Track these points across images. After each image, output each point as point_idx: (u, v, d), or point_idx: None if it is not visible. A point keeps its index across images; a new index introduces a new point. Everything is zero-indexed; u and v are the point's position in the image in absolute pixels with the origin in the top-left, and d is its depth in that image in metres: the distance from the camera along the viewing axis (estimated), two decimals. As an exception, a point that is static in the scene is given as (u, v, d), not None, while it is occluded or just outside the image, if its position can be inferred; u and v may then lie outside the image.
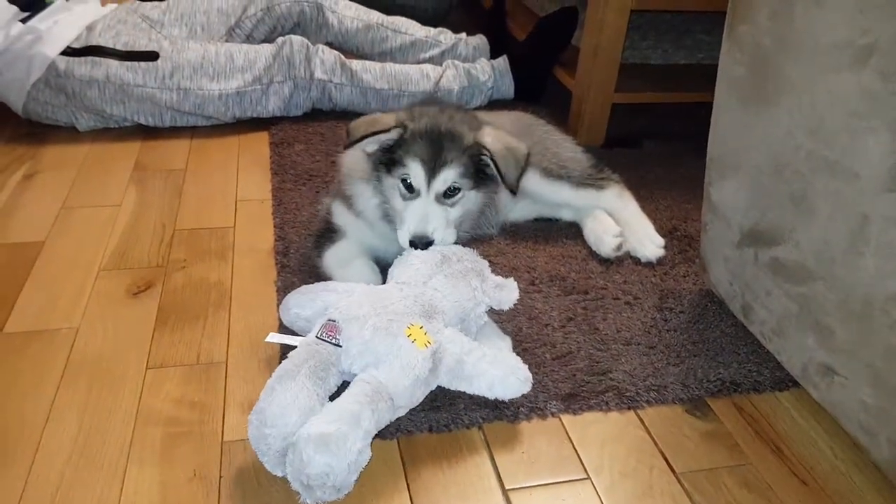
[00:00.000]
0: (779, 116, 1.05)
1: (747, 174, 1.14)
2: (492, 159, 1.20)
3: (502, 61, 2.14)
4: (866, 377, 0.97)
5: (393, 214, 1.25)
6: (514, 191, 1.25)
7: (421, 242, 1.19)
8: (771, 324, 1.17)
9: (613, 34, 1.81)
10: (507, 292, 1.18)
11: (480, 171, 1.23)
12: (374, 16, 2.23)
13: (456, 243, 1.24)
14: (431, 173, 1.19)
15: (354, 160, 1.30)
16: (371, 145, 1.22)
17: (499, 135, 1.24)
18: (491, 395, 1.06)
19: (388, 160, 1.22)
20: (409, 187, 1.21)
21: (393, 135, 1.21)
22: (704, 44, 2.18)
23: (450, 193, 1.21)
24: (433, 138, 1.19)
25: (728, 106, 1.17)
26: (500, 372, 1.05)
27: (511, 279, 1.21)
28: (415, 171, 1.19)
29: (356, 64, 2.03)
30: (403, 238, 1.20)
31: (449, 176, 1.20)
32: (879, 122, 0.88)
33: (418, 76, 2.06)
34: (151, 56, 1.86)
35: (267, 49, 1.95)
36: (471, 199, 1.25)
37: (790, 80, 1.02)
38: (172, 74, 1.86)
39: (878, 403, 0.96)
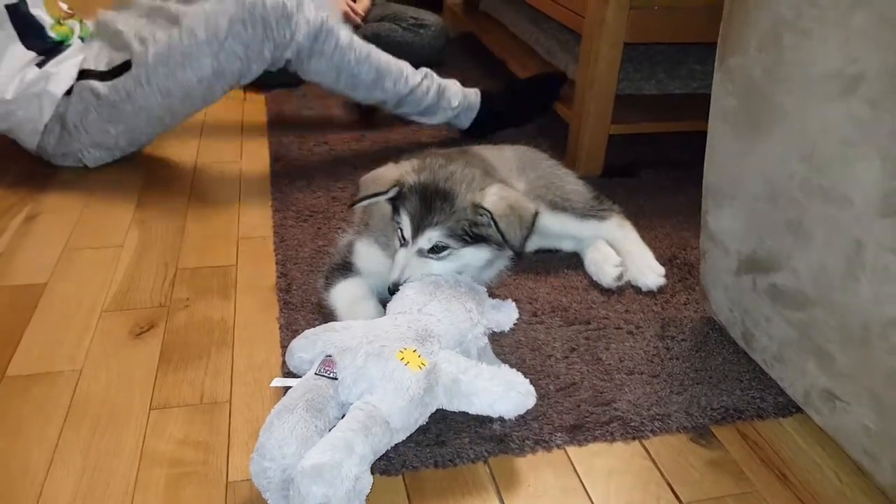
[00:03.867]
0: (772, 145, 1.06)
1: (743, 202, 1.15)
2: (493, 220, 1.19)
3: (474, 96, 2.12)
4: (868, 402, 0.97)
5: None
6: (519, 253, 1.25)
7: (395, 290, 1.21)
8: (772, 350, 1.17)
9: (608, 66, 1.84)
10: (505, 313, 1.19)
11: (477, 231, 1.21)
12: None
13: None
14: (416, 230, 1.21)
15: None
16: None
17: (505, 194, 1.23)
18: (494, 414, 1.05)
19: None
20: (403, 235, 1.23)
21: (391, 194, 1.23)
22: (698, 73, 2.21)
23: (437, 250, 1.22)
24: (426, 196, 1.20)
25: (722, 135, 1.19)
26: (499, 388, 1.04)
27: (509, 300, 1.22)
28: (404, 224, 1.22)
29: (344, 36, 1.89)
30: (386, 282, 1.24)
31: (433, 236, 1.21)
32: (870, 148, 0.90)
33: (397, 75, 1.98)
34: (126, 66, 1.82)
35: (230, 6, 1.74)
36: (467, 255, 1.24)
37: (782, 109, 1.03)
38: (149, 78, 1.78)
39: (881, 428, 0.96)
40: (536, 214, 1.24)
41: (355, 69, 1.91)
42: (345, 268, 1.35)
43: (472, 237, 1.22)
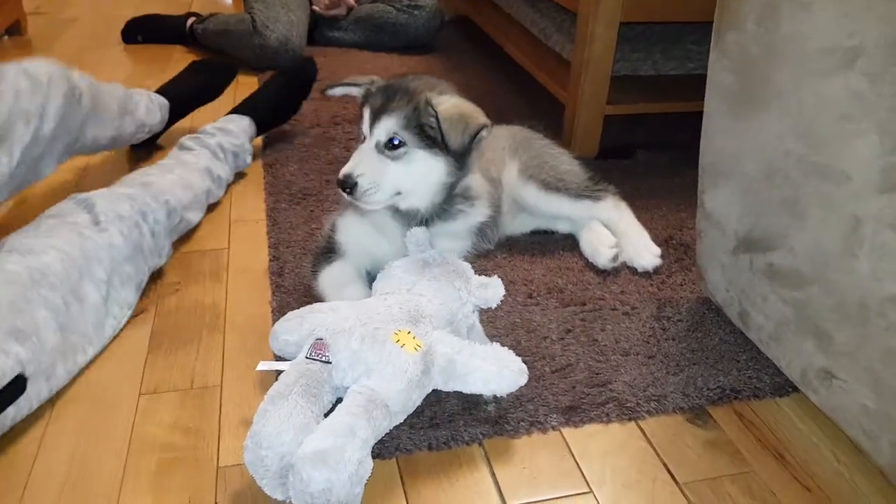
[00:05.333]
0: (768, 122, 1.05)
1: (740, 181, 1.14)
2: (437, 118, 1.20)
3: (250, 126, 1.86)
4: (866, 380, 0.97)
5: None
6: (456, 159, 1.23)
7: (348, 182, 1.20)
8: (769, 330, 1.16)
9: (603, 47, 1.82)
10: (492, 290, 1.18)
11: (429, 131, 1.22)
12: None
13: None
14: (374, 120, 1.22)
15: None
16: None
17: (459, 102, 1.24)
18: (488, 392, 1.05)
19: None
20: (363, 131, 1.25)
21: (362, 89, 1.28)
22: (694, 54, 2.19)
23: (392, 146, 1.22)
24: (389, 92, 1.23)
25: (718, 114, 1.17)
26: (493, 367, 1.04)
27: (495, 277, 1.21)
28: (365, 117, 1.23)
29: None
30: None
31: (389, 124, 1.21)
32: (868, 124, 0.88)
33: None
34: None
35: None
36: (419, 159, 1.23)
37: (778, 85, 1.02)
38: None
39: (879, 407, 0.95)
40: (484, 126, 1.23)
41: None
42: (330, 251, 1.34)
43: (427, 138, 1.21)
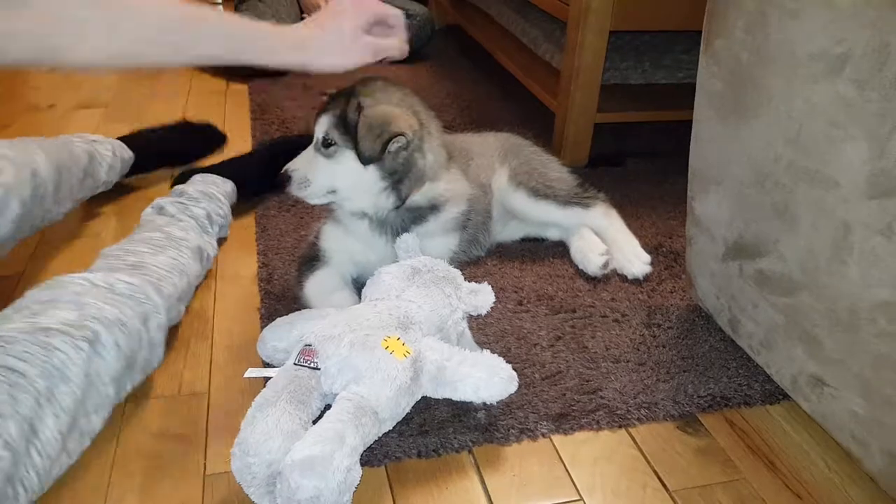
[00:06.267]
0: (758, 128, 1.05)
1: (729, 187, 1.14)
2: (356, 119, 1.21)
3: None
4: (856, 387, 0.96)
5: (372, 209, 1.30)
6: (363, 161, 1.22)
7: (286, 173, 1.26)
8: (759, 336, 1.16)
9: (593, 55, 1.82)
10: (482, 296, 1.18)
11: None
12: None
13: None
14: (315, 119, 1.26)
15: None
16: None
17: (389, 108, 1.24)
18: (478, 399, 1.04)
19: None
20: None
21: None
22: (684, 63, 2.20)
23: (326, 144, 1.24)
24: (336, 94, 1.26)
25: (707, 120, 1.17)
26: (483, 374, 1.03)
27: (485, 283, 1.21)
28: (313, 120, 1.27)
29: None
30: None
31: (322, 121, 1.24)
32: (856, 130, 0.89)
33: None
34: None
35: None
36: (348, 159, 1.24)
37: (768, 91, 1.02)
38: None
39: (869, 414, 0.95)
40: (399, 135, 1.21)
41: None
42: (315, 259, 1.34)
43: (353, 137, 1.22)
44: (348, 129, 1.23)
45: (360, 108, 1.22)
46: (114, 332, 1.03)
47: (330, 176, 1.26)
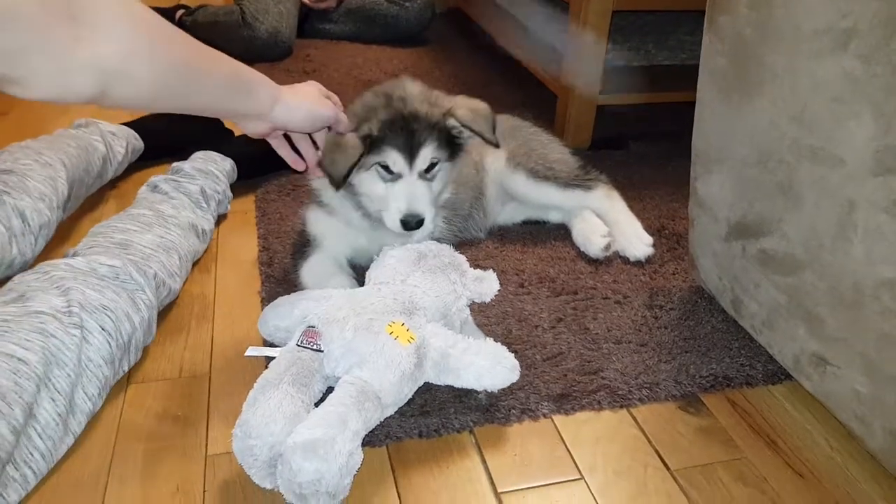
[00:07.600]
0: (761, 106, 1.04)
1: (732, 166, 1.13)
2: (466, 126, 1.23)
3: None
4: (859, 366, 0.96)
5: (368, 204, 1.25)
6: (497, 144, 1.27)
7: (413, 220, 1.19)
8: (761, 316, 1.15)
9: (596, 36, 1.81)
10: (487, 284, 1.17)
11: (451, 141, 1.25)
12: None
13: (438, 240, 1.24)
14: (411, 156, 1.20)
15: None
16: None
17: (460, 101, 1.26)
18: (479, 387, 1.04)
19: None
20: (387, 169, 1.21)
21: (366, 147, 1.19)
22: (687, 44, 2.18)
23: (429, 168, 1.23)
24: (401, 126, 1.20)
25: (711, 99, 1.16)
26: (486, 362, 1.03)
27: (490, 271, 1.20)
28: (393, 158, 1.20)
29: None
30: (393, 220, 1.20)
31: (427, 152, 1.21)
32: (862, 106, 0.88)
33: None
34: None
35: None
36: (446, 170, 1.27)
37: (772, 68, 1.01)
38: None
39: (872, 392, 0.95)
40: (489, 108, 1.29)
41: None
42: (308, 245, 1.34)
43: (450, 148, 1.25)
44: (444, 142, 1.23)
45: (450, 113, 1.22)
46: (97, 316, 1.05)
47: (438, 193, 1.27)
